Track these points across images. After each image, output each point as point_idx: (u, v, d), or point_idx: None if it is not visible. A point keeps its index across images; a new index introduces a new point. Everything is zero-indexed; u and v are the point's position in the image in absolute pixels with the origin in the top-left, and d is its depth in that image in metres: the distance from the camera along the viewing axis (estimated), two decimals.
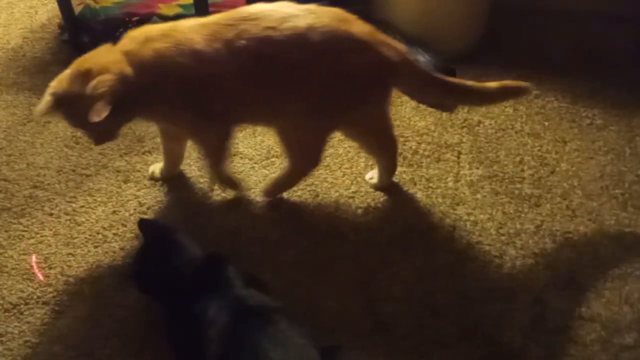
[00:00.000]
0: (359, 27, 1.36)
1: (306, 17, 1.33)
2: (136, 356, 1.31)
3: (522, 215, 1.59)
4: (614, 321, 1.35)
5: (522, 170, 1.71)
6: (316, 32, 1.31)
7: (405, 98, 1.94)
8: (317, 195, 1.64)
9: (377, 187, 1.66)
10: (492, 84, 1.46)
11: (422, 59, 1.93)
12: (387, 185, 1.66)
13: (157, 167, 1.69)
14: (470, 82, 1.47)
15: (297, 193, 1.64)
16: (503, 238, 1.53)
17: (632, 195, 1.64)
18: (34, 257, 1.48)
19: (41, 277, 1.44)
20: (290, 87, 1.37)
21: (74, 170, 1.71)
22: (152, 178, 1.69)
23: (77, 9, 2.18)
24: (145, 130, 1.82)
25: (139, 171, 1.71)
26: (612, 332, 1.34)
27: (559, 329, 1.34)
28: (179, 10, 2.17)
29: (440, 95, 1.59)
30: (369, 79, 1.38)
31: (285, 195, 1.63)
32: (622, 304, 1.39)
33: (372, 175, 1.67)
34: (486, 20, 2.16)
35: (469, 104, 1.80)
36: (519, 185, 1.66)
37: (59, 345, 1.33)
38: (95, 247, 1.52)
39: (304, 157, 1.54)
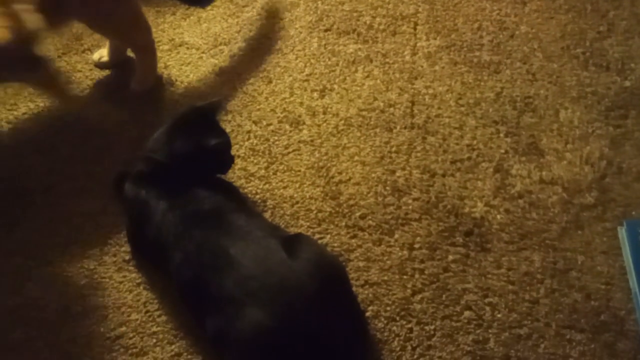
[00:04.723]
0: None
1: None
2: (97, 260, 1.24)
3: (482, 83, 1.48)
4: (575, 182, 1.30)
5: (481, 37, 1.57)
6: None
7: None
8: (271, 81, 1.51)
9: (107, 66, 1.55)
10: None
11: None
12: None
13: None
14: None
15: (250, 81, 1.51)
16: (462, 109, 1.43)
17: (593, 53, 1.52)
18: None
19: None
20: None
21: None
22: (100, 65, 1.54)
23: None
24: (83, 27, 1.63)
25: (80, 71, 1.54)
26: (573, 193, 1.28)
27: (520, 194, 1.28)
28: None
29: None
30: None
31: (237, 85, 1.50)
32: (583, 164, 1.32)
33: (102, 53, 1.55)
34: None
35: None
36: (477, 53, 1.54)
37: (18, 256, 1.25)
38: (44, 155, 1.40)
39: (135, 34, 1.44)
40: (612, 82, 1.46)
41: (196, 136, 1.20)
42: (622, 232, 1.19)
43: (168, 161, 1.19)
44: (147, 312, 1.18)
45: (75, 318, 1.18)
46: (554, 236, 1.22)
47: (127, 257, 1.23)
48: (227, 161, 1.26)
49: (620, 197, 1.27)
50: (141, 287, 1.21)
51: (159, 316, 1.17)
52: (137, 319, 1.17)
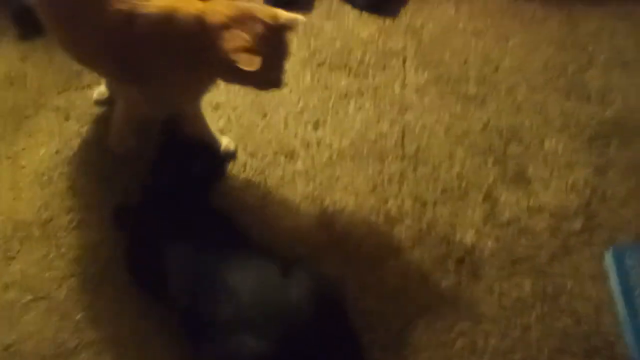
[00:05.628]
0: None
1: None
2: (94, 293, 1.23)
3: (469, 114, 1.50)
4: (562, 209, 1.31)
5: (467, 70, 1.60)
6: None
7: (347, 8, 1.80)
8: (266, 115, 1.52)
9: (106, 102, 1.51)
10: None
11: None
12: None
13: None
14: None
15: (246, 115, 1.53)
16: (451, 139, 1.45)
17: (575, 85, 1.56)
18: None
19: None
20: None
21: (11, 112, 1.55)
22: (99, 101, 1.53)
23: None
24: None
25: (79, 107, 1.55)
26: (561, 219, 1.30)
27: (510, 222, 1.30)
28: None
29: None
30: None
31: (232, 118, 1.52)
32: (569, 191, 1.34)
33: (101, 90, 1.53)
34: None
35: None
36: (464, 86, 1.56)
37: (14, 290, 1.24)
38: (42, 189, 1.39)
39: None
40: (594, 113, 1.49)
41: (182, 154, 1.24)
42: (609, 258, 1.20)
43: (164, 191, 1.20)
44: (144, 344, 1.17)
45: (71, 352, 1.17)
46: (544, 261, 1.23)
47: (124, 289, 1.22)
48: (218, 170, 1.31)
49: (606, 223, 1.28)
50: (138, 320, 1.20)
51: (156, 348, 1.16)
52: (133, 353, 1.16)
